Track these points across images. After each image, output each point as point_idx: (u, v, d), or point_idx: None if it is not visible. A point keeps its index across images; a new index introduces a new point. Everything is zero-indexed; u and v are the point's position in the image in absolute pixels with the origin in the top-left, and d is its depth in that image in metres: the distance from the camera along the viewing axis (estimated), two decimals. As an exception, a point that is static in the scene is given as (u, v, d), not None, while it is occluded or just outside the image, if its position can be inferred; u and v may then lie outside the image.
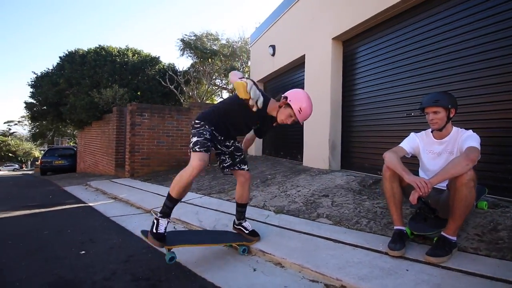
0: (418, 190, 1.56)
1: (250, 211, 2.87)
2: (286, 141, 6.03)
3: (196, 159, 1.71)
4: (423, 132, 2.02)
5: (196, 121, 1.93)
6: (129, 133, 6.29)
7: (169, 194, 1.75)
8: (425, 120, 1.91)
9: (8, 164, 32.38)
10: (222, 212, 2.91)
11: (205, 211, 3.00)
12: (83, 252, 2.02)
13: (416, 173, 1.89)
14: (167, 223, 1.74)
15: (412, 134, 2.05)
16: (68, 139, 22.80)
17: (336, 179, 3.56)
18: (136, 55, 10.16)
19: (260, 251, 1.93)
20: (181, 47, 11.34)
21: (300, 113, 1.80)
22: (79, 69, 9.09)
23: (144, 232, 1.80)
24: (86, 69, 9.02)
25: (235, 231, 2.14)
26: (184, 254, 1.99)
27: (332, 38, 4.31)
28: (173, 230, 1.97)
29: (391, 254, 1.73)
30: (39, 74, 10.11)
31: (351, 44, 4.25)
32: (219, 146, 2.02)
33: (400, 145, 1.99)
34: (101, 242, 2.24)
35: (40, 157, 18.02)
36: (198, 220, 2.69)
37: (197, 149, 1.74)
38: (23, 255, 1.97)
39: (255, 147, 7.10)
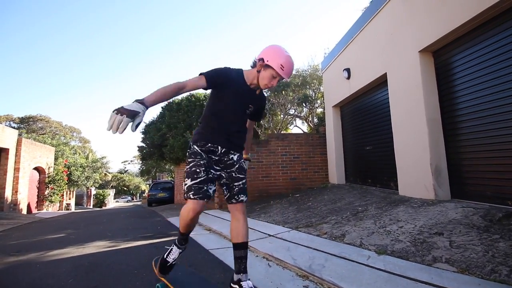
0: None
1: (346, 250, 2.65)
2: (374, 166, 5.51)
3: (190, 204, 1.55)
4: None
5: (189, 150, 1.69)
6: (217, 168, 6.91)
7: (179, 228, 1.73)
8: None
9: (123, 197, 39.91)
10: (315, 249, 2.77)
11: (297, 247, 2.92)
12: (193, 286, 2.21)
13: None
14: (179, 254, 1.76)
15: None
16: (167, 173, 26.76)
17: (449, 212, 2.98)
18: (217, 97, 11.49)
19: (370, 301, 1.72)
20: (255, 84, 12.24)
21: (283, 69, 1.60)
22: (175, 115, 10.83)
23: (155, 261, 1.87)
24: (181, 114, 10.68)
25: None
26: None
27: (419, 51, 3.91)
28: (186, 273, 1.88)
29: None
30: (147, 122, 12.47)
31: (443, 53, 3.76)
32: (217, 169, 1.70)
33: None
34: (207, 276, 2.41)
35: (147, 191, 21.54)
36: (291, 258, 2.62)
37: (192, 196, 1.54)
38: (148, 286, 2.29)
39: (337, 175, 6.73)
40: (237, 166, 1.73)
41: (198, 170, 1.58)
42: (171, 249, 1.76)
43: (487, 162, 3.17)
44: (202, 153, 1.65)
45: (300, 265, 2.42)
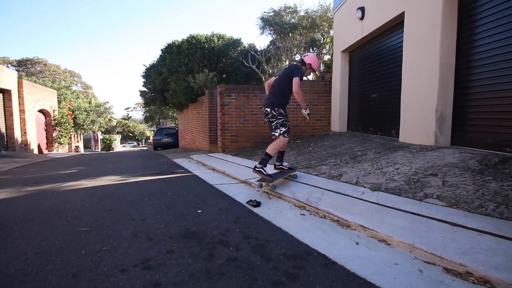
0: None
1: (342, 187, 2.80)
2: (377, 115, 5.47)
3: (286, 139, 3.10)
4: None
5: (280, 112, 3.06)
6: (220, 113, 6.91)
7: (268, 153, 2.99)
8: None
9: (129, 142, 40.96)
10: (312, 186, 2.93)
11: (296, 184, 3.09)
12: (200, 211, 2.42)
13: None
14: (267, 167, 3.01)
15: None
16: (170, 120, 26.90)
17: (446, 157, 3.05)
18: (220, 39, 10.81)
19: (360, 226, 1.88)
20: (261, 25, 11.40)
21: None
22: (176, 58, 10.36)
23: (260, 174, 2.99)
24: (181, 57, 10.20)
25: (277, 170, 3.29)
26: (284, 221, 2.12)
27: (445, -14, 3.51)
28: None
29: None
30: (148, 66, 12.03)
31: (472, -11, 3.38)
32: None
33: None
34: (212, 204, 2.62)
35: (152, 136, 21.99)
36: (290, 192, 2.80)
37: (286, 136, 3.08)
38: (157, 210, 2.50)
39: (339, 123, 6.73)
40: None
41: (287, 123, 3.10)
42: (264, 169, 2.97)
43: (494, 110, 3.12)
44: (285, 113, 3.12)
45: (298, 197, 2.59)
